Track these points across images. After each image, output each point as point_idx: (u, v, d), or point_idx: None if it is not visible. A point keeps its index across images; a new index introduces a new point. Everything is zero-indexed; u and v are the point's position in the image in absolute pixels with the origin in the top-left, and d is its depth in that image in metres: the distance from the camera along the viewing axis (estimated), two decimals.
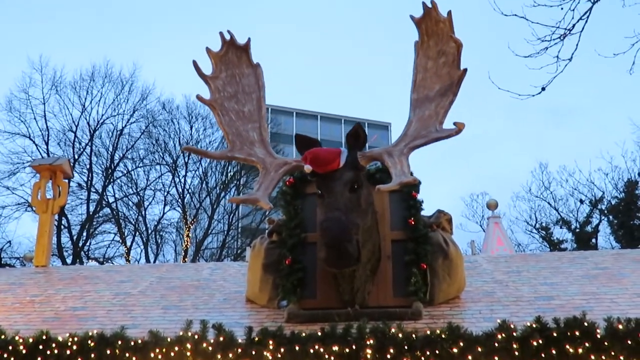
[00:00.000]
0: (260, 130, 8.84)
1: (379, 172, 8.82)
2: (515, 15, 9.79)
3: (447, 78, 8.46)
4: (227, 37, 9.29)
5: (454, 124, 7.91)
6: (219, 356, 6.86)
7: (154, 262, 34.80)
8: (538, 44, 9.70)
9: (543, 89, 9.72)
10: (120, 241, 35.24)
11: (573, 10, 9.52)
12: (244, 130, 8.75)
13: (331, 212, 7.45)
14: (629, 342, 6.58)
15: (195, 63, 8.87)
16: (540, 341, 6.71)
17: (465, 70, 8.31)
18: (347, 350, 6.81)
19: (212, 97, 8.90)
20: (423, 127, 8.24)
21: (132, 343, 7.03)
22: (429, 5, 8.58)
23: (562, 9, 9.56)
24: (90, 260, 34.05)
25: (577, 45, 9.70)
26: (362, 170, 8.21)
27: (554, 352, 6.66)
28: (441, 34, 8.64)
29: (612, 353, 6.59)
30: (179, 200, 36.78)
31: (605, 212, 35.16)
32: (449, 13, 8.48)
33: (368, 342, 6.82)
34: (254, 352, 6.86)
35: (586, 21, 9.59)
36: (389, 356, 6.74)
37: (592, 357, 6.60)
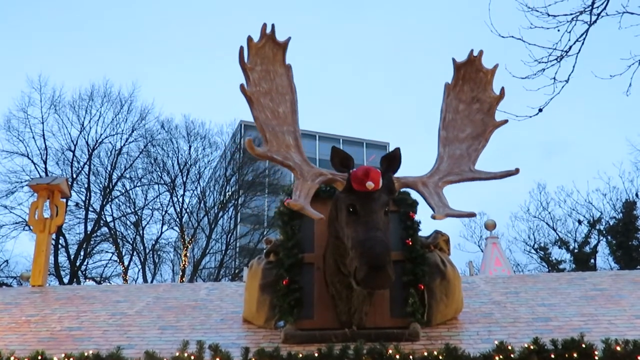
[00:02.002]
0: (295, 134, 8.44)
1: None
2: (512, 37, 9.85)
3: (480, 124, 8.76)
4: (269, 30, 8.70)
5: (515, 169, 8.18)
6: None
7: (152, 281, 34.68)
8: (535, 66, 9.76)
9: (540, 110, 9.75)
10: (118, 261, 35.14)
11: (569, 32, 9.59)
12: (279, 131, 8.30)
13: (373, 231, 7.31)
14: None
15: (241, 50, 8.27)
16: None
17: (505, 121, 8.79)
18: None
19: (250, 89, 8.30)
20: (456, 165, 8.42)
21: None
22: (475, 54, 8.94)
23: (558, 30, 9.62)
24: (87, 280, 33.92)
25: (573, 66, 9.75)
26: (394, 195, 8.19)
27: None
28: (479, 82, 8.96)
29: None
30: (177, 219, 36.72)
31: (604, 232, 35.12)
32: (496, 66, 8.95)
33: None
34: None
35: (583, 43, 9.65)
36: None
37: None
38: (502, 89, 8.92)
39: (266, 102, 8.36)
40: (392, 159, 8.14)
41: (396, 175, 8.18)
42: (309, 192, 7.69)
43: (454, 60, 8.98)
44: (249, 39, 8.41)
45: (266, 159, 7.94)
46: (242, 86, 8.18)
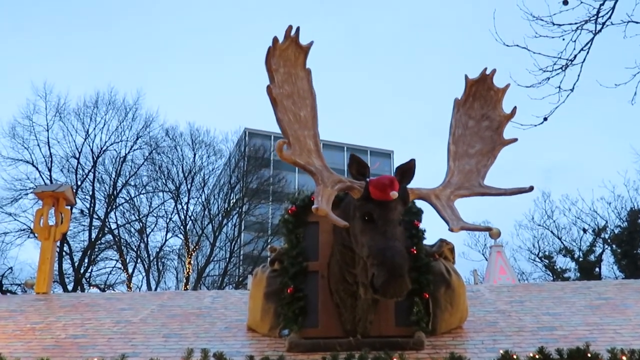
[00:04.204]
0: (315, 139, 8.32)
1: None
2: (517, 45, 9.84)
3: (489, 141, 8.81)
4: (293, 32, 8.49)
5: (529, 186, 8.11)
6: None
7: (156, 289, 34.70)
8: (540, 75, 9.75)
9: (545, 119, 9.74)
10: (122, 268, 35.17)
11: (574, 41, 9.58)
12: (301, 135, 8.18)
13: (392, 241, 7.28)
14: None
15: (270, 50, 8.07)
16: None
17: (515, 139, 8.81)
18: None
19: (275, 91, 8.10)
20: (466, 179, 8.45)
21: None
22: (488, 72, 8.98)
23: (563, 39, 9.61)
24: (91, 287, 33.95)
25: (578, 75, 9.73)
26: (407, 206, 8.18)
27: None
28: (490, 100, 9.01)
29: None
30: (181, 227, 36.77)
31: (609, 241, 35.04)
32: (507, 86, 9.01)
33: None
34: None
35: (587, 52, 9.64)
36: None
37: None
38: (514, 109, 8.90)
39: (289, 105, 8.23)
40: (407, 170, 8.11)
41: (409, 186, 8.19)
42: (330, 198, 7.61)
43: (466, 77, 9.01)
44: (275, 39, 8.22)
45: (288, 161, 7.86)
46: (269, 87, 8.02)
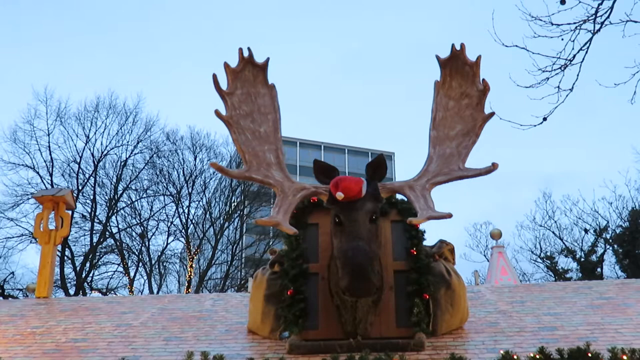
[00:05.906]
0: (277, 152, 8.61)
1: None
2: (516, 46, 9.82)
3: (470, 120, 8.79)
4: (246, 54, 9.02)
5: (492, 164, 8.16)
6: None
7: (157, 292, 34.69)
8: (539, 75, 9.72)
9: (544, 119, 9.72)
10: (124, 272, 35.15)
11: (573, 41, 9.56)
12: (260, 151, 8.50)
13: (355, 240, 7.40)
14: None
15: (215, 77, 8.58)
16: None
17: (492, 113, 8.73)
18: None
19: (228, 114, 8.58)
20: (445, 164, 8.44)
21: None
22: (458, 48, 8.94)
23: (562, 39, 9.59)
24: (93, 291, 33.92)
25: (577, 75, 9.71)
26: (381, 202, 8.22)
27: None
28: (466, 76, 8.97)
29: None
30: (183, 230, 36.74)
31: (610, 241, 35.01)
32: (479, 57, 8.94)
33: None
34: None
35: (586, 52, 9.62)
36: None
37: None
38: (484, 81, 8.89)
39: (246, 124, 8.62)
40: (377, 167, 8.22)
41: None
42: (289, 207, 7.86)
43: (437, 57, 8.98)
44: (226, 65, 8.71)
45: (243, 179, 8.18)
46: (216, 111, 8.47)
